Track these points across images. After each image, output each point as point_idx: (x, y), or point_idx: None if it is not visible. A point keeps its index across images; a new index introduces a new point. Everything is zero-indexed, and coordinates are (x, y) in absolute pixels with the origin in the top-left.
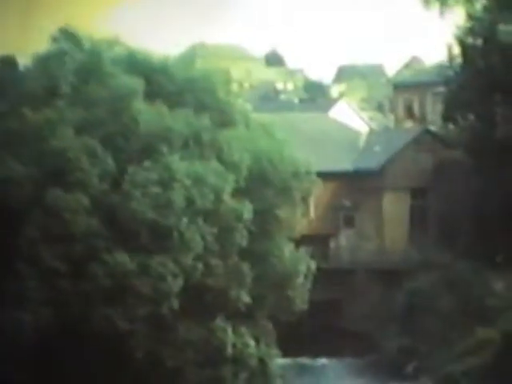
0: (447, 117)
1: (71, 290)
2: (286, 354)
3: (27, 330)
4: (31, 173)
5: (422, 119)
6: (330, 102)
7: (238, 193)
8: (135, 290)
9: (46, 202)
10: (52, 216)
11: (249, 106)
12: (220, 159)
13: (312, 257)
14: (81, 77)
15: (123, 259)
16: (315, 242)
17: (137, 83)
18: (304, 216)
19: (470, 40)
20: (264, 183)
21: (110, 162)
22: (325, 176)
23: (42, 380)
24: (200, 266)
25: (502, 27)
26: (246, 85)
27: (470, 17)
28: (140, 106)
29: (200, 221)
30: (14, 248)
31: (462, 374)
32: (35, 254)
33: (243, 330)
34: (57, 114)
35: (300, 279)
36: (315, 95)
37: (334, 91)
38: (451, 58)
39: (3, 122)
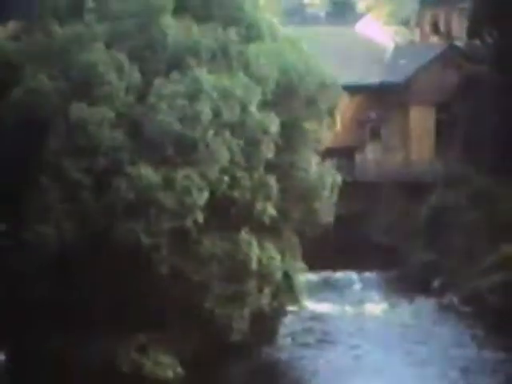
0: (472, 33)
1: (94, 203)
2: (311, 267)
3: (50, 244)
4: (58, 86)
5: (448, 35)
6: (357, 16)
7: (264, 106)
8: (159, 203)
9: (70, 115)
10: (76, 129)
11: (276, 20)
12: (247, 72)
13: (338, 170)
14: None
15: (147, 172)
16: (341, 154)
17: None
18: (330, 129)
19: None
20: (291, 96)
21: (137, 76)
22: (351, 89)
23: (65, 294)
24: (226, 178)
25: None
26: None
27: None
28: (168, 19)
29: (226, 133)
30: (38, 161)
31: (487, 290)
32: (59, 167)
33: (268, 243)
34: (85, 28)
35: (326, 192)
36: (341, 9)
37: (361, 5)
38: None
39: (31, 36)
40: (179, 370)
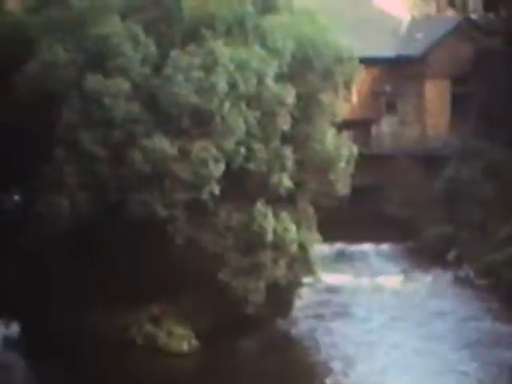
0: (488, 5)
1: (109, 175)
2: (326, 239)
3: (64, 216)
4: (73, 58)
5: (464, 8)
6: None
7: (280, 78)
8: (175, 175)
9: (85, 87)
10: (91, 101)
11: None
12: (263, 45)
13: (354, 142)
14: None
15: (163, 144)
16: (357, 127)
17: None
18: (346, 101)
19: None
20: (307, 68)
21: (152, 48)
22: (367, 62)
23: (79, 267)
24: (242, 150)
25: None
26: None
27: None
28: None
29: (242, 105)
30: (53, 133)
31: (502, 264)
32: (74, 139)
33: (284, 215)
34: (100, 1)
35: (342, 164)
36: None
37: None
38: None
39: (47, 8)
40: (194, 341)
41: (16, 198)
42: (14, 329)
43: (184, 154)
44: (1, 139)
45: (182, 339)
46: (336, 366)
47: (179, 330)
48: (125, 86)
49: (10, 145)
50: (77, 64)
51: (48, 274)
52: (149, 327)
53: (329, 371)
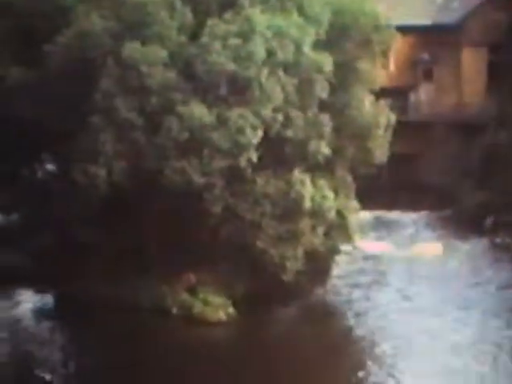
0: None
1: (146, 143)
2: (364, 206)
3: (101, 185)
4: (109, 26)
5: None
6: None
7: (318, 46)
8: (212, 142)
9: (122, 55)
10: (128, 68)
11: None
12: (301, 13)
13: (391, 110)
14: None
15: (200, 112)
16: (395, 95)
17: None
18: (384, 69)
19: None
20: (344, 36)
21: (189, 15)
22: (404, 30)
23: (116, 236)
24: (280, 117)
25: None
26: None
27: None
28: None
29: (280, 73)
30: (89, 101)
31: None
32: (110, 107)
33: (322, 182)
34: None
35: (380, 131)
36: None
37: None
38: None
39: None
40: (231, 310)
41: (49, 166)
42: (49, 300)
43: (221, 122)
44: (34, 108)
45: (218, 308)
46: (374, 333)
47: (216, 299)
48: (162, 53)
49: (43, 113)
50: (113, 32)
51: (83, 243)
52: (185, 296)
53: (367, 339)
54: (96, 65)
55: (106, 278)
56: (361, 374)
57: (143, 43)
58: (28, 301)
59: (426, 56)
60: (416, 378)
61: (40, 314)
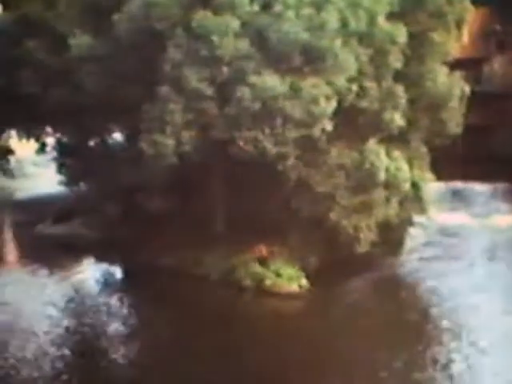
0: None
1: (217, 114)
2: (439, 178)
3: (169, 155)
4: None
5: None
6: None
7: (392, 16)
8: (285, 112)
9: (193, 25)
10: (198, 39)
11: None
12: None
13: (465, 81)
14: None
15: (273, 82)
16: (468, 66)
17: None
18: (457, 41)
19: None
20: (418, 7)
21: None
22: (478, 1)
23: (185, 207)
24: (354, 87)
25: None
26: None
27: None
28: None
29: (354, 43)
30: (159, 71)
31: None
32: (179, 77)
33: (396, 153)
34: None
35: (454, 102)
36: None
37: None
38: None
39: None
40: (303, 282)
41: (117, 136)
42: (117, 271)
43: (295, 92)
44: (101, 78)
45: (290, 280)
46: (448, 309)
47: (288, 271)
48: (233, 23)
49: (110, 83)
50: (182, 2)
51: (150, 214)
52: (256, 268)
53: (440, 313)
54: (164, 35)
55: (175, 249)
56: (437, 349)
57: (214, 12)
58: (95, 272)
59: (499, 27)
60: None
61: (108, 285)
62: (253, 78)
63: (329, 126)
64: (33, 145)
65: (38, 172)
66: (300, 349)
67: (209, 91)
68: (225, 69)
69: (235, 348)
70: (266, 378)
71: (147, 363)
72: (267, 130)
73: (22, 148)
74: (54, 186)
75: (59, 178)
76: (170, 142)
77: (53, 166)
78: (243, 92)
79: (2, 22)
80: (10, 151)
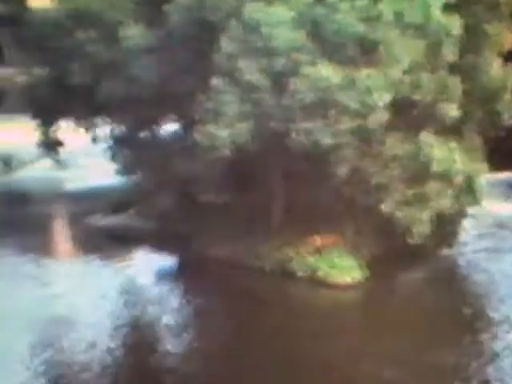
0: None
1: (271, 105)
2: (492, 169)
3: (224, 147)
4: None
5: None
6: None
7: (447, 8)
8: (340, 103)
9: (245, 16)
10: (252, 29)
11: None
12: None
13: None
14: None
15: (328, 72)
16: None
17: None
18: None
19: None
20: (473, 0)
21: None
22: None
23: (239, 198)
24: (408, 79)
25: None
26: None
27: None
28: None
29: (409, 35)
30: (212, 63)
31: None
32: (233, 68)
33: (451, 145)
34: None
35: (508, 94)
36: None
37: None
38: None
39: None
40: (357, 273)
41: (170, 128)
42: (171, 262)
43: (349, 83)
44: (153, 68)
45: (344, 271)
46: (502, 300)
47: (342, 262)
48: (287, 14)
49: (162, 74)
50: None
51: (204, 205)
52: (310, 259)
53: (496, 305)
54: (217, 26)
55: (229, 240)
56: (501, 344)
57: (267, 2)
58: (150, 263)
59: None
60: None
61: (162, 276)
62: (307, 69)
63: (383, 118)
64: (86, 135)
65: (90, 163)
66: (355, 340)
67: (263, 82)
68: (279, 60)
69: (291, 338)
70: (325, 370)
71: (205, 354)
72: (321, 121)
73: (75, 139)
74: (107, 177)
75: (112, 168)
76: (225, 133)
77: (106, 157)
78: (298, 83)
79: (52, 13)
80: (59, 142)
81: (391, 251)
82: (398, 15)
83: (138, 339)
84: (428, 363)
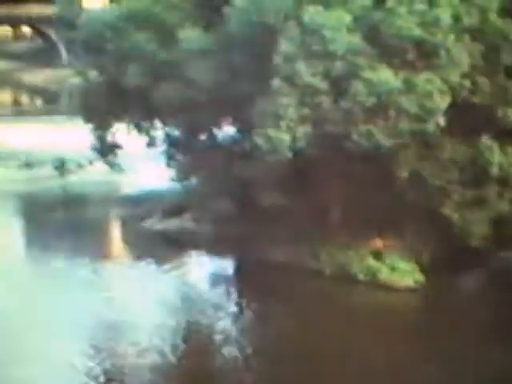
0: None
1: (331, 108)
2: None
3: (284, 149)
4: None
5: None
6: None
7: (503, 13)
8: (400, 107)
9: (304, 19)
10: (310, 33)
11: None
12: None
13: None
14: None
15: (387, 76)
16: None
17: None
18: None
19: None
20: None
21: None
22: None
23: (297, 201)
24: (467, 83)
25: None
26: None
27: None
28: None
29: (466, 39)
30: (270, 66)
31: None
32: (292, 71)
33: (510, 149)
34: None
35: None
36: None
37: None
38: None
39: None
40: (418, 276)
41: (229, 131)
42: (228, 266)
43: (409, 86)
44: (211, 72)
45: (405, 274)
46: None
47: (403, 265)
48: (346, 18)
49: (221, 77)
50: None
51: (263, 207)
52: (371, 262)
53: None
54: (275, 29)
55: (288, 243)
56: None
57: (326, 7)
58: (206, 267)
59: None
60: None
61: (218, 279)
62: (367, 73)
63: (442, 121)
64: (142, 139)
65: (146, 166)
66: (425, 343)
67: (322, 85)
68: (338, 63)
69: (358, 342)
70: (397, 374)
71: (267, 360)
72: (381, 124)
73: (131, 142)
74: (163, 181)
75: (168, 172)
76: (286, 137)
77: (160, 161)
78: (357, 86)
79: (109, 15)
80: (117, 146)
81: (451, 253)
82: (456, 19)
83: (194, 344)
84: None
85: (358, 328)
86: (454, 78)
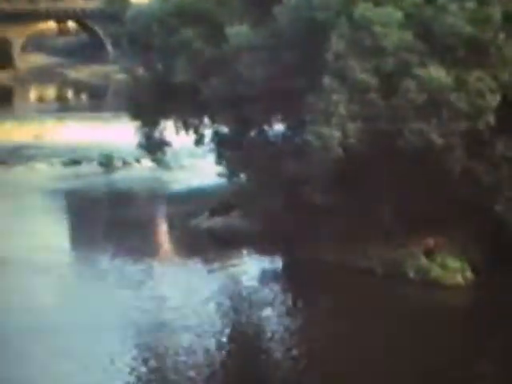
0: None
1: (382, 105)
2: None
3: (334, 147)
4: None
5: None
6: None
7: None
8: (451, 104)
9: (355, 16)
10: (361, 29)
11: None
12: None
13: None
14: None
15: (439, 73)
16: None
17: None
18: None
19: None
20: None
21: None
22: None
23: (347, 199)
24: None
25: None
26: None
27: None
28: None
29: None
30: (320, 62)
31: None
32: (343, 68)
33: None
34: None
35: None
36: None
37: None
38: None
39: None
40: (469, 274)
41: (280, 128)
42: (278, 265)
43: (460, 84)
44: (260, 68)
45: (456, 272)
46: None
47: (454, 263)
48: (397, 14)
49: (270, 74)
50: None
51: (312, 206)
52: (422, 260)
53: None
54: (326, 25)
55: (338, 242)
56: None
57: (376, 4)
58: (254, 265)
59: None
60: None
61: (267, 278)
62: (418, 70)
63: (492, 120)
64: (190, 136)
65: (194, 164)
66: (468, 342)
67: (373, 82)
68: (389, 60)
69: (414, 343)
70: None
71: (318, 362)
72: (433, 122)
73: (179, 139)
74: (211, 178)
75: (216, 169)
76: (336, 133)
77: (210, 158)
78: (409, 84)
79: (157, 10)
80: (165, 143)
81: (503, 251)
82: (506, 17)
83: (244, 344)
84: None
85: (410, 326)
86: (505, 76)
